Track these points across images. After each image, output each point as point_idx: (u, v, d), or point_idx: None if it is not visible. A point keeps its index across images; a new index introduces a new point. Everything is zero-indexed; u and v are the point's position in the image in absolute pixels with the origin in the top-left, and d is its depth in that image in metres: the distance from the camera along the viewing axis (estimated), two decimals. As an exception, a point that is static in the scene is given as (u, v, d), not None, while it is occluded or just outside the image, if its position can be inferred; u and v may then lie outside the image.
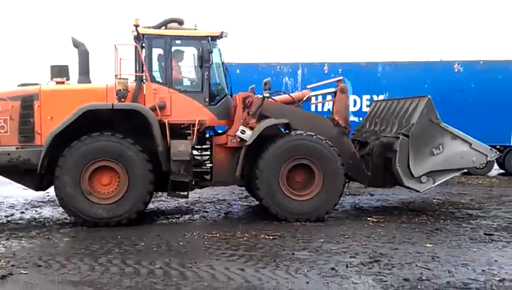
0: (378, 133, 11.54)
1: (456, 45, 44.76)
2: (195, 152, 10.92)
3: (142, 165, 9.92)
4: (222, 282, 6.60)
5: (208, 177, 10.91)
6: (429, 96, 10.48)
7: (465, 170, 11.02)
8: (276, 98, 11.52)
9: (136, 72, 11.08)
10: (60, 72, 10.76)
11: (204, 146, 11.15)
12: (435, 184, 10.63)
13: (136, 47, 11.09)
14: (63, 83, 10.72)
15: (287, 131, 11.00)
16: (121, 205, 9.91)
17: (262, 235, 9.09)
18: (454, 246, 8.44)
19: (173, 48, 10.67)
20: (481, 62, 17.53)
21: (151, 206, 12.22)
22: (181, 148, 10.18)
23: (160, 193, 13.40)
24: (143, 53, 10.62)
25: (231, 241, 8.76)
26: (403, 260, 7.60)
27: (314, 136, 10.44)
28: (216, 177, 10.75)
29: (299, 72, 18.07)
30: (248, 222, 10.27)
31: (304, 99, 11.87)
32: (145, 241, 8.75)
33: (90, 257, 7.74)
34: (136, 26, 10.63)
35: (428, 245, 8.48)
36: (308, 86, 12.19)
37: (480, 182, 16.42)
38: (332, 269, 7.14)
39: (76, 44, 10.92)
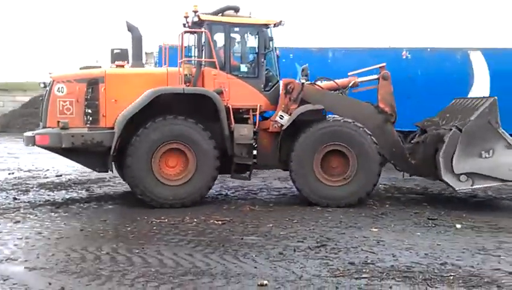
0: (438, 124, 11.37)
1: (405, 32, 45.60)
2: None
3: (210, 150, 10.26)
4: (170, 267, 6.58)
5: (256, 160, 11.07)
6: (495, 97, 10.23)
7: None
8: (321, 84, 11.57)
9: (183, 57, 10.96)
10: (120, 55, 11.09)
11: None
12: (473, 187, 10.29)
13: (186, 33, 11.17)
14: (123, 66, 11.01)
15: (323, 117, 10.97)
16: (187, 188, 10.23)
17: (211, 221, 9.09)
18: (398, 231, 8.65)
19: (232, 35, 10.98)
20: (428, 49, 17.83)
21: (98, 191, 12.09)
22: (243, 132, 10.57)
23: (107, 177, 13.26)
24: (203, 39, 10.88)
25: (180, 226, 8.73)
26: (349, 244, 7.75)
27: (351, 123, 10.55)
28: (260, 161, 11.01)
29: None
30: (197, 207, 10.22)
31: (350, 85, 11.75)
32: (92, 226, 8.63)
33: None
34: (195, 12, 10.81)
35: (374, 229, 8.66)
36: (350, 73, 12.06)
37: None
38: (280, 253, 7.22)
39: (131, 28, 11.16)
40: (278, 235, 8.18)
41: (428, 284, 6.07)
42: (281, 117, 10.69)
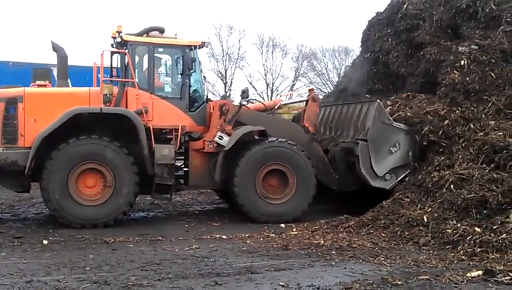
0: (336, 139, 12.10)
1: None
2: None
3: (128, 169, 10.13)
4: None
5: (182, 181, 11.24)
6: (378, 100, 11.15)
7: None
8: (249, 106, 11.89)
9: (111, 76, 11.28)
10: (42, 75, 11.41)
11: (179, 151, 11.21)
12: (398, 179, 10.99)
13: (113, 53, 11.22)
14: (45, 86, 10.91)
15: (261, 138, 11.30)
16: (106, 207, 10.07)
17: None
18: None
19: (156, 55, 11.01)
20: (10, 63, 17.76)
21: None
22: (165, 152, 10.44)
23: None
24: (126, 59, 10.82)
25: None
26: None
27: (286, 143, 11.04)
28: (192, 181, 11.16)
29: None
30: None
31: (276, 107, 12.34)
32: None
33: None
34: (119, 32, 10.79)
35: None
36: (281, 95, 11.95)
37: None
38: None
39: (56, 48, 11.07)
40: None
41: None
42: (221, 138, 10.80)
